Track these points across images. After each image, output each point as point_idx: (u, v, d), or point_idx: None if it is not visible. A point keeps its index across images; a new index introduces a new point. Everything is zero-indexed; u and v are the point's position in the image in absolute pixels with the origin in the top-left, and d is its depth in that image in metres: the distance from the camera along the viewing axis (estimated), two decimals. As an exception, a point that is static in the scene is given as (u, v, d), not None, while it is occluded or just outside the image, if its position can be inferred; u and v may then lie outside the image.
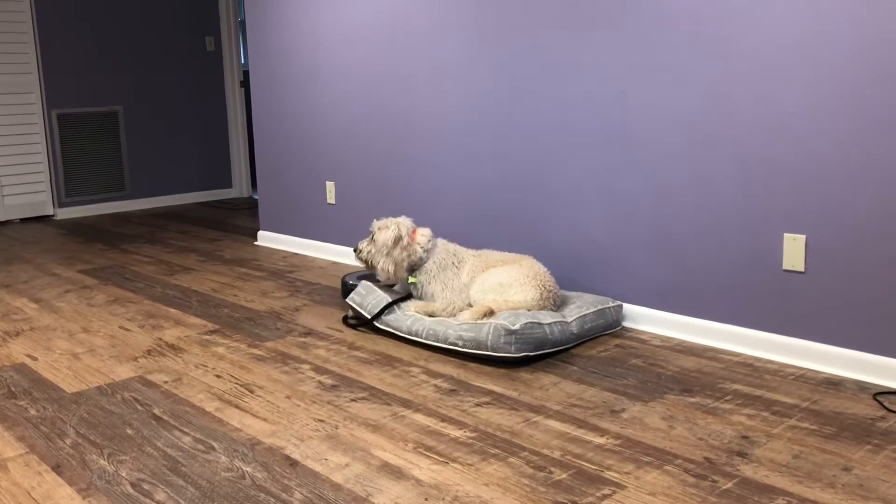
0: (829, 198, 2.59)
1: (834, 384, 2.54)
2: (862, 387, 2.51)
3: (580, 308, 3.02)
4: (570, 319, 2.93)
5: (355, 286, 3.62)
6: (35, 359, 2.96)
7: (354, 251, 3.25)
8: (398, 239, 3.12)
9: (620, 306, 3.14)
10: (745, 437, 2.18)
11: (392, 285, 3.33)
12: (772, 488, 1.90)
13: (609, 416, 2.35)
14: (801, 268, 2.68)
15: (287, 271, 4.29)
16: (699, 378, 2.62)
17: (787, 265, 2.71)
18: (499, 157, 3.57)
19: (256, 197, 7.16)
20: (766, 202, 2.74)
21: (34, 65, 6.10)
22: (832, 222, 2.59)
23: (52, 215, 6.32)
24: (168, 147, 6.84)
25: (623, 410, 2.38)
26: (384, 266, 3.15)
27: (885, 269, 2.50)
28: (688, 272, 2.99)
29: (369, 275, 3.91)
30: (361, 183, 4.31)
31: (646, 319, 3.13)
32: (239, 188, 7.30)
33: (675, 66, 2.92)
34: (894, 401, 2.40)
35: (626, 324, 3.19)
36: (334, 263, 4.45)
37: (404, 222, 3.17)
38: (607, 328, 3.09)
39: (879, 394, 2.45)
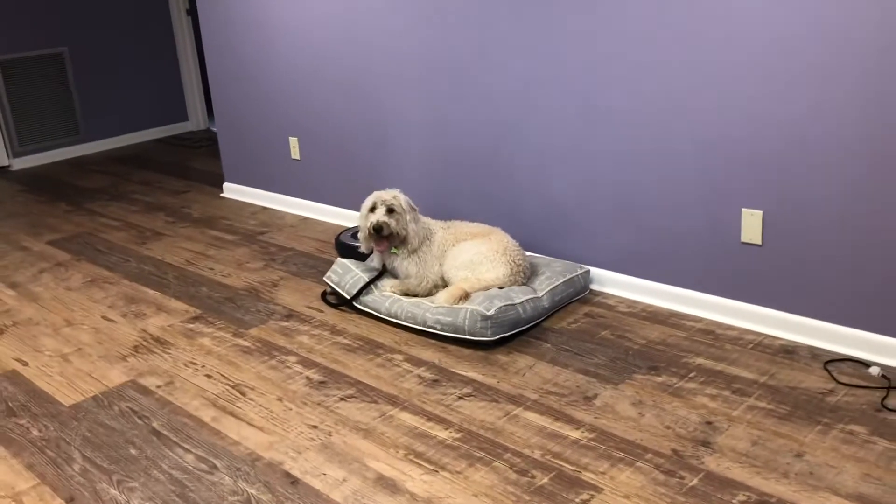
0: (784, 176, 2.70)
1: (789, 352, 2.73)
2: (814, 354, 2.71)
3: (550, 279, 3.15)
4: (540, 294, 3.07)
5: (356, 247, 3.55)
6: (25, 364, 3.04)
7: (376, 231, 3.11)
8: (411, 204, 3.19)
9: (588, 272, 3.28)
10: (708, 423, 2.37)
11: (366, 257, 3.41)
12: (734, 483, 2.11)
13: (583, 403, 2.52)
14: (758, 241, 2.82)
15: (258, 233, 4.34)
16: (664, 352, 2.79)
17: (745, 238, 2.85)
18: (465, 119, 3.59)
19: (215, 129, 7.06)
20: (726, 178, 2.84)
21: (-32, 11, 5.82)
22: (788, 199, 2.71)
23: (8, 166, 6.20)
24: (119, 85, 6.66)
25: (595, 396, 2.55)
26: (418, 231, 3.18)
27: (835, 244, 2.65)
28: (652, 240, 3.12)
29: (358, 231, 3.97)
30: (326, 141, 4.30)
31: (612, 283, 3.28)
32: (195, 120, 7.18)
33: (644, 44, 2.94)
34: (842, 369, 2.61)
35: (594, 287, 3.34)
36: (304, 220, 4.50)
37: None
38: (576, 295, 3.23)
39: (829, 362, 2.65)
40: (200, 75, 7.16)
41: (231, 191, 5.04)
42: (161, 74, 6.90)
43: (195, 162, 6.05)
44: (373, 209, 3.17)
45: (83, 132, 6.53)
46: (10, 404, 2.76)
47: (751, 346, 2.80)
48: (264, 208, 4.77)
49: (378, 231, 3.13)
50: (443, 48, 3.56)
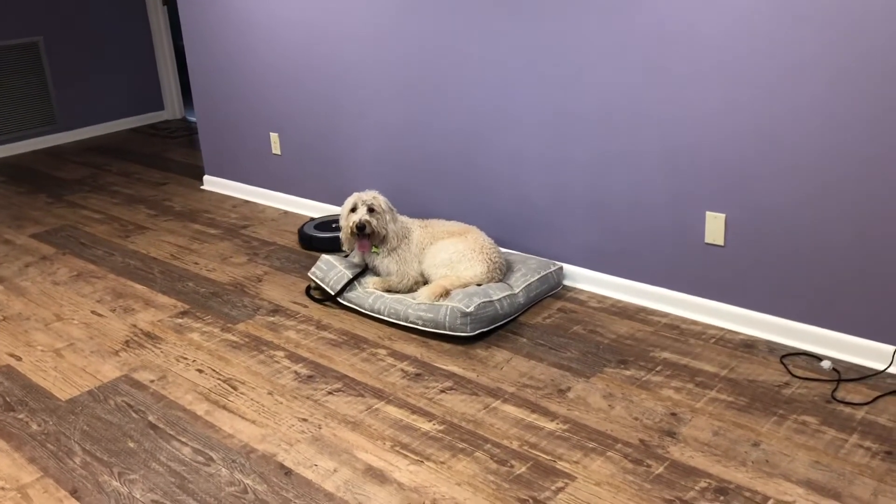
0: (746, 182, 2.88)
1: (748, 346, 2.93)
2: (772, 348, 2.91)
3: (525, 276, 3.31)
4: (516, 290, 3.23)
5: (318, 237, 3.96)
6: (19, 359, 3.14)
7: (358, 229, 3.24)
8: (390, 205, 3.35)
9: (561, 269, 3.45)
10: (673, 415, 2.55)
11: (347, 255, 3.55)
12: (696, 470, 2.29)
13: (557, 396, 2.69)
14: (721, 242, 3.00)
15: (241, 226, 4.45)
16: (632, 346, 2.97)
17: (708, 239, 3.03)
18: (443, 120, 3.73)
19: (192, 119, 7.11)
20: (692, 183, 3.02)
21: (-58, 0, 5.81)
22: (749, 203, 2.90)
23: (-16, 156, 6.22)
24: (94, 74, 6.68)
25: (569, 389, 2.73)
26: (397, 231, 3.32)
27: (792, 246, 2.84)
28: (621, 239, 3.29)
29: (324, 222, 4.15)
30: (307, 138, 4.41)
31: (584, 279, 3.45)
32: (171, 109, 7.21)
33: (613, 54, 3.09)
34: (797, 362, 2.81)
35: (566, 282, 3.51)
36: (285, 213, 4.62)
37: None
38: (550, 291, 3.40)
39: (785, 356, 2.85)
40: (177, 64, 7.18)
41: (211, 183, 5.12)
42: (137, 64, 6.93)
43: (173, 153, 6.11)
44: (354, 209, 3.30)
45: (59, 121, 6.54)
46: (7, 399, 2.86)
47: (713, 340, 2.99)
48: (245, 201, 4.87)
49: (361, 230, 3.26)
50: (420, 51, 3.68)
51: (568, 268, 3.49)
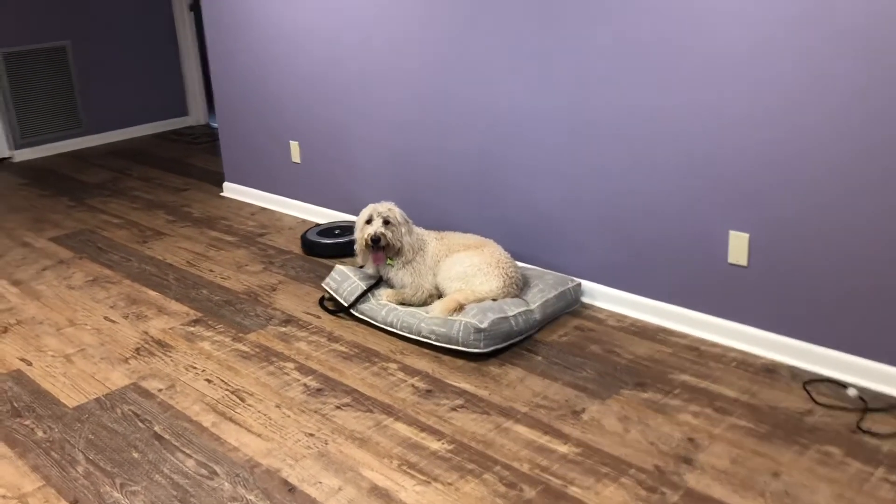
0: (772, 201, 2.79)
1: (770, 371, 2.83)
2: (795, 373, 2.81)
3: (542, 292, 3.24)
4: (533, 307, 3.15)
5: (319, 243, 4.01)
6: (29, 363, 3.12)
7: (373, 242, 3.21)
8: (406, 217, 3.31)
9: (579, 285, 3.37)
10: (690, 440, 2.47)
11: (361, 266, 3.50)
12: (712, 500, 2.20)
13: (571, 417, 2.62)
14: (744, 262, 2.91)
15: (258, 234, 4.42)
16: (651, 367, 2.89)
17: (731, 259, 2.94)
18: (460, 130, 3.67)
19: (215, 125, 7.13)
20: (715, 200, 2.93)
21: (-28, 4, 5.87)
22: (774, 223, 2.81)
23: (10, 157, 6.26)
24: (120, 79, 6.71)
25: (583, 411, 2.65)
26: (412, 243, 3.27)
27: (819, 268, 2.74)
28: (641, 256, 3.21)
29: (327, 228, 4.17)
30: (326, 147, 4.37)
31: (603, 296, 3.37)
32: (195, 115, 7.23)
33: (633, 64, 3.02)
34: (821, 389, 2.71)
35: (584, 299, 3.43)
36: (303, 222, 4.58)
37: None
38: (567, 308, 3.32)
39: (809, 382, 2.75)
40: (202, 70, 7.21)
41: (231, 190, 5.11)
42: (162, 69, 6.96)
43: (195, 158, 6.11)
44: (369, 221, 3.25)
45: (84, 125, 6.58)
46: (14, 404, 2.84)
47: (734, 363, 2.90)
48: (263, 209, 4.85)
49: (375, 242, 3.21)
50: (439, 63, 3.63)
51: (586, 284, 3.42)
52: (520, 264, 3.58)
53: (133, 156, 6.26)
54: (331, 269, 3.89)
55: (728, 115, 2.82)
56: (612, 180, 3.21)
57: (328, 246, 4.02)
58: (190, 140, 6.70)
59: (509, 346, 3.06)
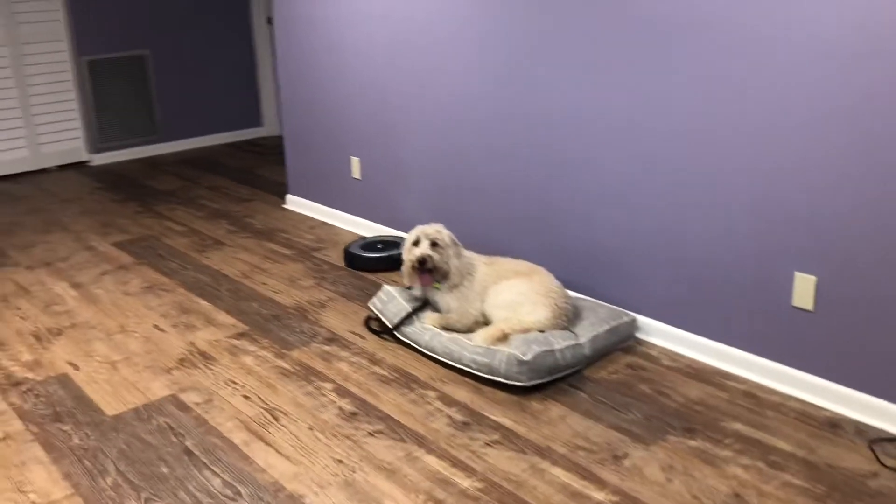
0: (842, 243, 2.60)
1: (833, 426, 2.63)
2: (860, 430, 2.60)
3: (593, 326, 3.11)
4: (582, 341, 3.02)
5: (360, 256, 4.04)
6: (77, 368, 3.16)
7: (420, 264, 3.14)
8: (454, 240, 3.24)
9: (634, 320, 3.22)
10: (737, 496, 2.30)
11: (410, 287, 3.43)
12: (755, 566, 2.04)
13: (611, 462, 2.48)
14: (810, 307, 2.72)
15: (314, 248, 4.41)
16: (702, 413, 2.72)
17: (796, 302, 2.75)
18: (520, 152, 3.57)
19: (286, 137, 7.20)
20: (781, 239, 2.75)
21: (62, 12, 6.08)
22: (844, 266, 2.61)
23: (88, 161, 6.46)
24: (197, 89, 6.86)
25: (625, 456, 2.51)
26: (460, 267, 3.20)
27: (890, 316, 2.53)
28: (700, 293, 3.04)
29: (371, 242, 4.20)
30: (387, 164, 4.34)
31: (658, 333, 3.21)
32: (269, 126, 7.34)
33: (705, 97, 2.88)
34: (889, 450, 2.50)
35: (640, 334, 3.27)
36: (361, 238, 4.55)
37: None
38: (620, 343, 3.18)
39: (875, 441, 2.54)
40: (277, 82, 7.31)
41: (293, 203, 5.13)
42: (239, 80, 7.08)
43: (263, 169, 6.18)
44: (416, 243, 3.19)
45: (160, 132, 6.75)
46: (57, 409, 2.87)
47: (793, 414, 2.70)
48: (323, 223, 4.84)
49: (422, 264, 3.14)
50: (503, 85, 3.55)
51: (642, 319, 3.26)
52: (572, 294, 3.45)
53: (204, 164, 6.38)
54: (375, 285, 3.84)
55: (798, 151, 2.64)
56: (673, 212, 3.06)
57: (368, 259, 4.05)
58: (261, 151, 6.79)
59: (554, 380, 2.94)
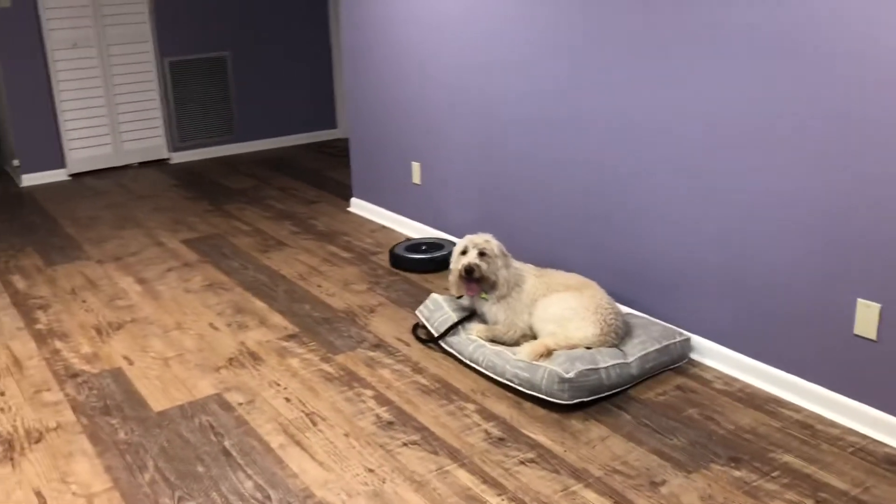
0: (909, 269, 2.44)
1: (892, 463, 2.46)
2: (923, 470, 2.43)
3: (643, 344, 3.01)
4: (630, 360, 2.93)
5: (404, 257, 4.10)
6: (131, 363, 3.25)
7: (467, 273, 3.10)
8: (504, 250, 3.20)
9: (688, 340, 3.10)
10: (779, 535, 2.18)
11: (460, 296, 3.39)
12: None
13: (647, 489, 2.38)
14: (872, 336, 2.56)
15: (372, 252, 4.42)
16: (751, 442, 2.59)
17: (858, 330, 2.59)
18: (578, 164, 3.50)
19: (359, 140, 7.26)
20: (843, 264, 2.60)
21: (147, 15, 6.30)
22: (910, 295, 2.45)
23: (168, 159, 6.67)
24: (274, 90, 7.00)
25: (663, 483, 2.41)
26: (508, 277, 3.15)
27: (961, 354, 2.36)
28: (758, 316, 2.90)
29: (416, 244, 4.23)
30: (447, 171, 4.32)
31: (713, 355, 3.08)
32: (343, 129, 7.42)
33: (768, 119, 2.75)
34: (953, 494, 2.32)
35: (693, 356, 3.15)
36: (407, 240, 4.54)
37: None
38: (671, 364, 3.07)
39: (939, 483, 2.37)
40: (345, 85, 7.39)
41: (357, 206, 5.17)
42: (316, 82, 7.19)
43: (333, 171, 6.25)
44: (464, 252, 3.15)
45: (237, 132, 6.91)
46: (107, 402, 2.96)
47: (851, 449, 2.54)
48: (383, 227, 4.86)
49: (469, 273, 3.10)
50: (557, 95, 3.47)
51: (696, 340, 3.14)
52: (625, 309, 3.35)
53: (277, 165, 6.50)
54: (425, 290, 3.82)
55: (862, 173, 2.49)
56: (732, 232, 2.93)
57: (412, 261, 4.11)
58: (333, 153, 6.87)
59: (598, 399, 2.86)
